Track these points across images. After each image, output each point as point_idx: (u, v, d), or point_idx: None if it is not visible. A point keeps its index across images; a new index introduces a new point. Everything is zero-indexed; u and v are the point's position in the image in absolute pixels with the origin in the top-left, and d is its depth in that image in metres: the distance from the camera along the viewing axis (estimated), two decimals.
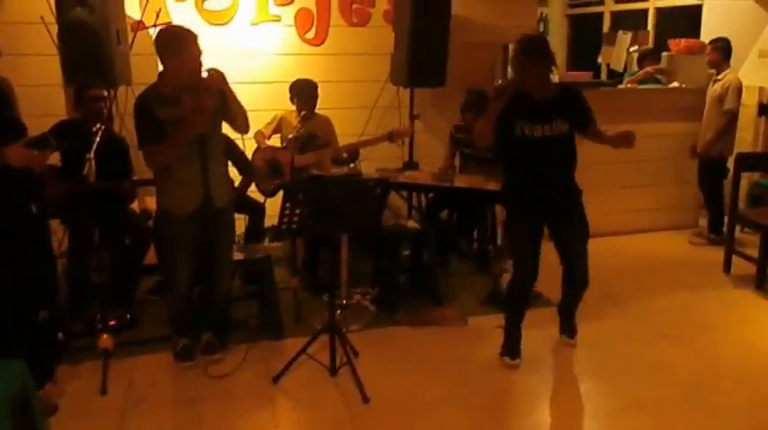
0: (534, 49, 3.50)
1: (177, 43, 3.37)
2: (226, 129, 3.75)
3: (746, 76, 6.43)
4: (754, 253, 5.15)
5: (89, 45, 4.44)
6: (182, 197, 3.57)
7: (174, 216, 3.59)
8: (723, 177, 6.00)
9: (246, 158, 4.87)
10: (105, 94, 4.27)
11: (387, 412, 3.36)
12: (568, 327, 4.09)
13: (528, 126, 3.54)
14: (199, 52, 3.41)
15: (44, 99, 4.83)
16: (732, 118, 5.93)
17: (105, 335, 3.57)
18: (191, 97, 3.41)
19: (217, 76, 3.41)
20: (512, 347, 3.85)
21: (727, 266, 5.43)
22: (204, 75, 3.40)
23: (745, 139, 6.69)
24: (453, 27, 5.54)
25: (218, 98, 3.46)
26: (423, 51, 5.35)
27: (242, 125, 3.68)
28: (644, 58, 7.04)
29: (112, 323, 3.87)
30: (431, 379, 3.68)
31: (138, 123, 3.48)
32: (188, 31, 3.43)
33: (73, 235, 4.22)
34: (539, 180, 3.65)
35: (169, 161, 3.51)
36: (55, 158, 4.01)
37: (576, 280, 3.86)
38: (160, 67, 3.53)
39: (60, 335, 3.72)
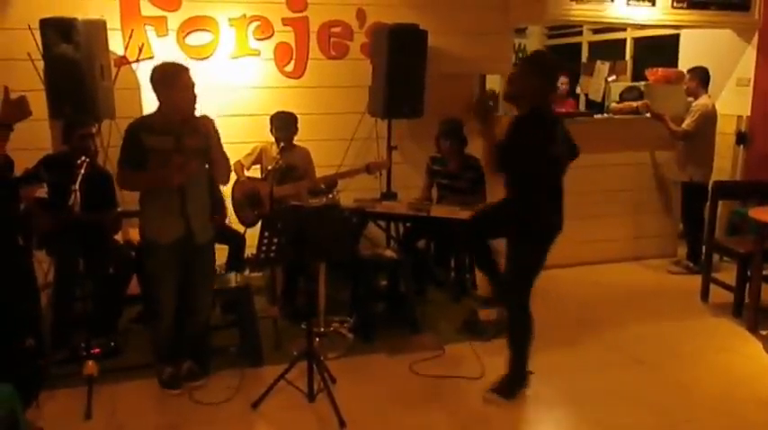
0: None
1: (170, 76, 3.71)
2: None
3: (724, 105, 6.78)
4: (732, 281, 5.32)
5: (74, 81, 4.79)
6: (164, 227, 3.84)
7: (158, 245, 3.86)
8: (702, 204, 6.14)
9: (221, 197, 5.14)
10: (94, 131, 4.60)
11: None
12: None
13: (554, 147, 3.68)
14: (192, 83, 3.75)
15: (30, 133, 5.02)
16: (687, 138, 6.20)
17: (90, 362, 3.81)
18: (173, 139, 3.70)
19: (205, 121, 3.77)
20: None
21: (705, 294, 5.63)
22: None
23: (723, 168, 6.99)
24: (430, 58, 5.87)
25: (204, 140, 3.77)
26: (400, 83, 5.65)
27: (222, 175, 4.01)
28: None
29: (96, 350, 4.09)
30: (407, 405, 3.91)
31: (123, 145, 3.82)
32: (180, 65, 3.81)
33: (59, 266, 4.52)
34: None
35: (139, 190, 3.84)
36: (41, 191, 4.32)
37: None
38: (143, 102, 3.84)
39: (42, 361, 3.98)
